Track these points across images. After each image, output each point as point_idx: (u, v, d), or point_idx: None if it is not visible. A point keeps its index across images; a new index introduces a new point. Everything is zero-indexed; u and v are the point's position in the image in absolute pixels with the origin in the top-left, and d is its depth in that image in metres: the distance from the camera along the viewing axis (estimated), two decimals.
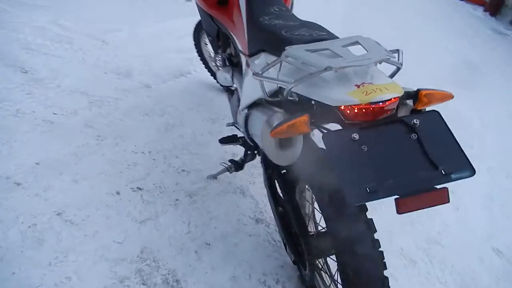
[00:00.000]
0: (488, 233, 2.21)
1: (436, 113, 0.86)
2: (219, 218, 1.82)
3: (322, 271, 1.48)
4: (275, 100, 1.16)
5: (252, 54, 1.45)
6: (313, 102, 0.99)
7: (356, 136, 0.81)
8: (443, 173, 0.79)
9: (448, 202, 0.79)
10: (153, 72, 2.90)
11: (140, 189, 1.86)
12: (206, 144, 2.28)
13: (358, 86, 0.85)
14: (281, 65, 1.08)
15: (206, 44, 2.72)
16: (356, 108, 0.84)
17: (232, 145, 1.84)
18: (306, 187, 1.52)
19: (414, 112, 0.92)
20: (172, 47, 3.31)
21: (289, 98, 0.96)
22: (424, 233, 2.06)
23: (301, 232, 1.31)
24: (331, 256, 1.35)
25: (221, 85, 2.73)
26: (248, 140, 1.49)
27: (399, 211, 0.79)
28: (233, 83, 1.88)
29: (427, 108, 0.94)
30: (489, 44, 5.69)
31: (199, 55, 2.80)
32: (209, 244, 1.67)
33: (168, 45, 3.33)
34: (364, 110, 0.83)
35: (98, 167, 1.91)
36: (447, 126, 0.84)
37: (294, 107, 1.11)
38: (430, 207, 0.79)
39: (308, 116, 0.87)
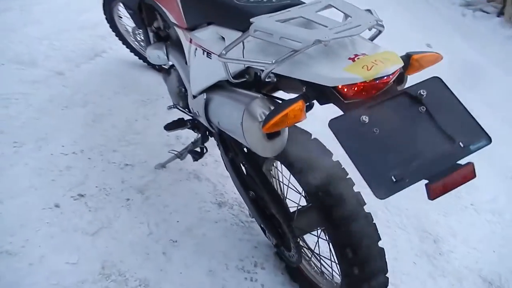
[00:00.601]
0: None
1: (437, 79, 0.80)
2: (179, 210, 1.67)
3: (302, 247, 1.45)
4: (241, 81, 1.02)
5: (193, 28, 1.27)
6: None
7: (365, 118, 0.72)
8: (462, 146, 0.75)
9: (476, 176, 0.76)
10: (62, 55, 2.50)
11: (82, 195, 1.62)
12: (144, 131, 2.05)
13: (353, 60, 0.76)
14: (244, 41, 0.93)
15: (121, 17, 2.39)
16: (355, 86, 0.74)
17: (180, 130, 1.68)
18: (274, 164, 1.44)
19: (402, 78, 0.86)
20: (77, 23, 2.86)
21: (266, 80, 0.84)
22: None
23: (280, 213, 1.23)
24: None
25: (149, 64, 2.47)
26: (206, 124, 1.33)
27: (431, 197, 0.74)
28: (168, 61, 1.68)
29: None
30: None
31: (113, 31, 2.46)
32: (175, 241, 1.54)
33: (71, 21, 2.87)
34: (364, 87, 0.75)
35: (24, 180, 1.62)
36: (452, 92, 0.80)
37: (270, 88, 0.99)
38: (461, 185, 0.75)
39: (303, 101, 0.76)
